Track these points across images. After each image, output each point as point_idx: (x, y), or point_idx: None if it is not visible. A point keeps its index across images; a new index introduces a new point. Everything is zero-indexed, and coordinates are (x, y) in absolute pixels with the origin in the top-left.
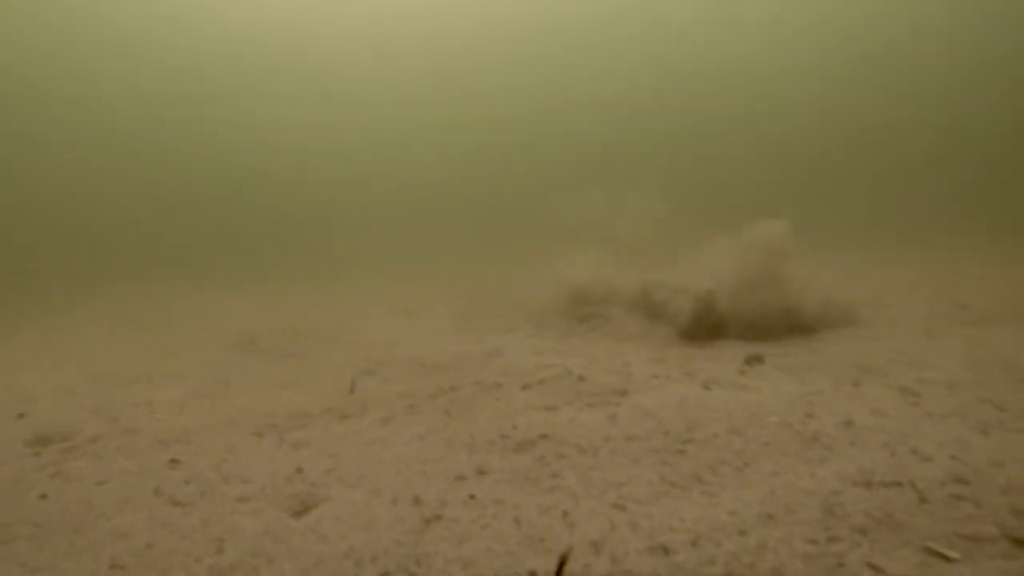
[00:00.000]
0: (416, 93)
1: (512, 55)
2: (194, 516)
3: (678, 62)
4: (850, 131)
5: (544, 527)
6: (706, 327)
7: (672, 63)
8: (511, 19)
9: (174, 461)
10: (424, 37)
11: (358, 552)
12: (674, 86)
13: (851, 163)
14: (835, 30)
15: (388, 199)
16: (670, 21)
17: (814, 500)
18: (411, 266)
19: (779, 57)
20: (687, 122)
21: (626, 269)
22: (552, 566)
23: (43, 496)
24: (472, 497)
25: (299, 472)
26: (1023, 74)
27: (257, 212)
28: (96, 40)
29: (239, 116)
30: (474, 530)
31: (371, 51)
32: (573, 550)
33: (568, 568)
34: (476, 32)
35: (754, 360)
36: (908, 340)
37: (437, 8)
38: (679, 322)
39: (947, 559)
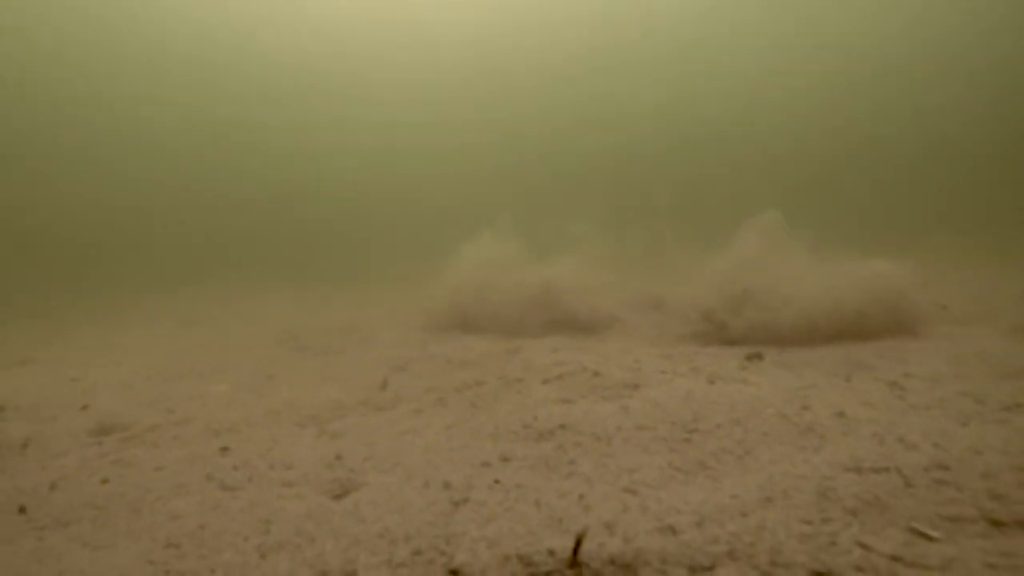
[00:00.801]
0: (452, 102)
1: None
2: (242, 499)
3: (692, 80)
4: (848, 141)
5: (562, 509)
6: (712, 328)
7: (686, 81)
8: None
9: (224, 449)
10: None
11: (392, 532)
12: (688, 101)
13: (848, 171)
14: (835, 47)
15: (423, 207)
16: (685, 39)
17: (809, 485)
18: (439, 272)
19: (784, 70)
20: (697, 133)
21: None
22: (569, 544)
23: (105, 481)
24: (496, 482)
25: (338, 459)
26: (1012, 84)
27: (300, 221)
28: (144, 58)
29: (281, 128)
30: (499, 512)
31: (417, 60)
32: (589, 530)
33: (584, 547)
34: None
35: (754, 357)
36: (895, 338)
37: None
38: (685, 325)
39: (930, 538)
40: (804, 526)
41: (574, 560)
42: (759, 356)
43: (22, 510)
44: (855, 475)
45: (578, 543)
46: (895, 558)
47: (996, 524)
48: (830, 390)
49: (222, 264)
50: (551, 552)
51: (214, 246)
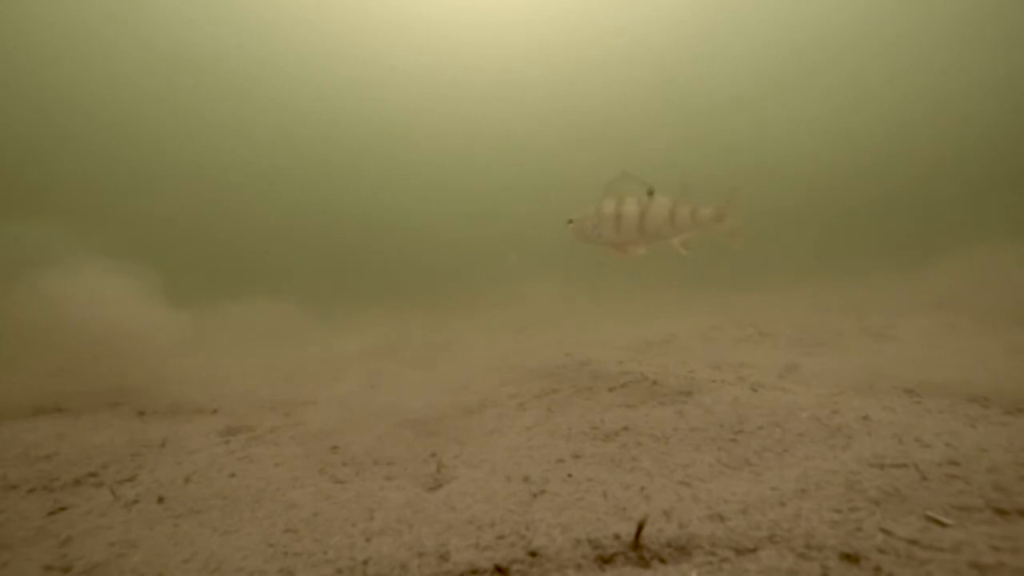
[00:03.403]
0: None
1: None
2: (350, 491)
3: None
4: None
5: (626, 499)
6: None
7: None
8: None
9: (334, 447)
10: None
11: (479, 519)
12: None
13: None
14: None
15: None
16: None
17: (838, 478)
18: (521, 293)
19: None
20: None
21: None
22: (632, 530)
23: (232, 475)
24: (569, 476)
25: (433, 456)
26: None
27: (398, 249)
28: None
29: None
30: (571, 502)
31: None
32: (649, 517)
33: (645, 531)
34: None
35: (791, 368)
36: (912, 350)
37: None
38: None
39: (943, 524)
40: (834, 514)
41: (636, 543)
42: (796, 367)
43: (160, 500)
44: (878, 470)
45: (640, 528)
46: (913, 542)
47: (1000, 512)
48: (856, 396)
49: (333, 286)
50: (617, 536)
51: (328, 270)
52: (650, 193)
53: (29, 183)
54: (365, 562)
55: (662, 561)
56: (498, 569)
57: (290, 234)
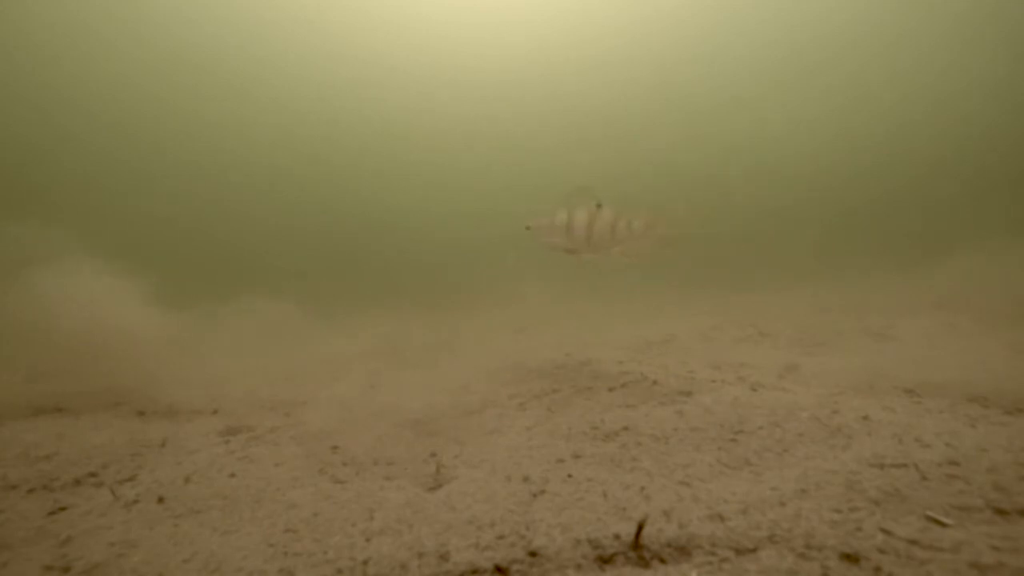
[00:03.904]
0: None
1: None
2: (350, 491)
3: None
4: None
5: (626, 499)
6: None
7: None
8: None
9: (335, 447)
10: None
11: (479, 519)
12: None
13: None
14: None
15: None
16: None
17: (838, 478)
18: (521, 292)
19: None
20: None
21: None
22: (632, 530)
23: (232, 475)
24: (569, 476)
25: (433, 456)
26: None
27: (398, 249)
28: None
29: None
30: (571, 502)
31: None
32: (649, 517)
33: (645, 531)
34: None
35: (791, 368)
36: (912, 350)
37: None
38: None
39: (943, 525)
40: (834, 514)
41: (636, 543)
42: (796, 367)
43: (160, 500)
44: (878, 470)
45: (640, 528)
46: (913, 542)
47: (1000, 512)
48: (856, 396)
49: (336, 285)
50: (617, 536)
51: (331, 270)
52: (598, 206)
53: (29, 183)
54: (365, 562)
55: (662, 561)
56: (498, 569)
57: (290, 234)
